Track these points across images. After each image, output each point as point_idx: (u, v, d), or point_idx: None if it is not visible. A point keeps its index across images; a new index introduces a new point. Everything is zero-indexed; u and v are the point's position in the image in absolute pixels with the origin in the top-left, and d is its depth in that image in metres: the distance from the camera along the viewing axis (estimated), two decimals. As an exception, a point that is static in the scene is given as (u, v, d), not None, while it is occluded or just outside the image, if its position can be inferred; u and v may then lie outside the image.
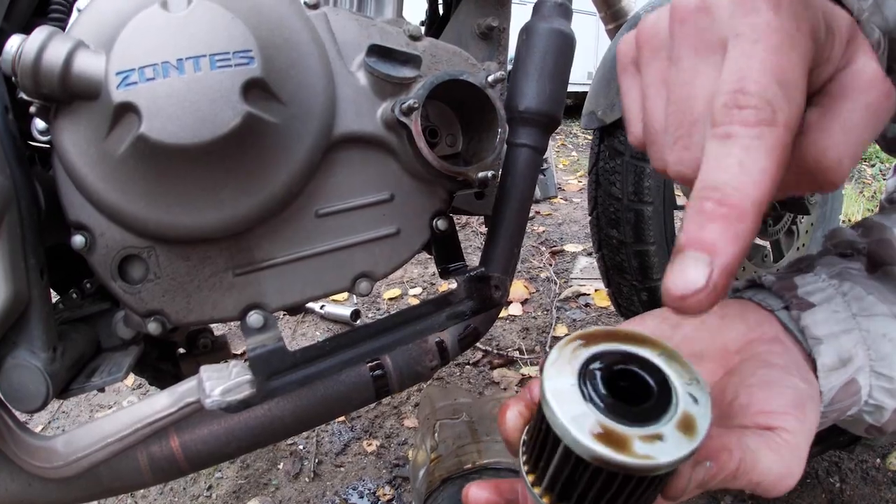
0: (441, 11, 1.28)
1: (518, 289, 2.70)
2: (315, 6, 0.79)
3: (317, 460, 1.71)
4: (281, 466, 1.69)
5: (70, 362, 0.81)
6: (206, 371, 0.72)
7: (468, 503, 0.52)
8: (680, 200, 1.78)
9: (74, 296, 0.91)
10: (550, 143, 4.51)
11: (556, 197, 4.20)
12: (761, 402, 0.52)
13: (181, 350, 1.17)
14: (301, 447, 1.76)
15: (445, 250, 0.90)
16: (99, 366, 0.87)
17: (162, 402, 0.71)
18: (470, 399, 1.43)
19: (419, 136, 0.74)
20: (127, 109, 0.60)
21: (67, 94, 0.61)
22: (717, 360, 0.58)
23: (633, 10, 1.80)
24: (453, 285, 0.91)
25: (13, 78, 0.61)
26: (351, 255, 0.81)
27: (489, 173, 0.80)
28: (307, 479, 1.65)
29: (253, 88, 0.62)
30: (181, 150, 0.61)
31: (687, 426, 0.39)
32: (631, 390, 0.42)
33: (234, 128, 0.61)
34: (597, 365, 0.42)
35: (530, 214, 3.74)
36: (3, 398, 0.72)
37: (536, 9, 0.96)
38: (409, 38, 0.84)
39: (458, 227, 3.46)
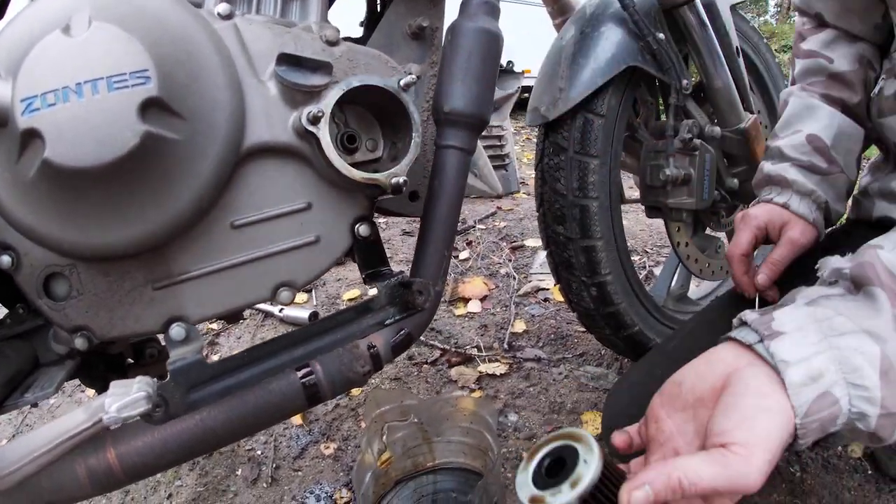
0: (379, 10, 1.31)
1: (477, 286, 2.75)
2: (228, 16, 0.81)
3: (274, 465, 1.74)
4: (239, 472, 1.73)
5: (4, 379, 0.84)
6: (114, 386, 0.75)
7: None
8: (629, 193, 1.82)
9: (21, 311, 0.94)
10: (514, 136, 4.50)
11: (518, 192, 4.25)
12: (717, 426, 0.68)
13: (129, 361, 1.19)
14: (259, 452, 1.80)
15: (369, 256, 0.93)
16: (34, 381, 0.90)
17: (79, 417, 0.74)
18: (416, 401, 1.46)
19: (328, 145, 0.77)
20: (32, 135, 0.63)
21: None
22: (712, 399, 0.73)
23: (579, 4, 1.83)
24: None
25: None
26: (270, 264, 0.84)
27: (401, 179, 0.83)
28: (265, 485, 1.69)
29: (151, 107, 0.65)
30: (85, 172, 0.64)
31: (575, 481, 0.65)
32: (561, 468, 0.69)
33: (134, 148, 0.64)
34: (539, 460, 0.71)
35: (492, 210, 3.76)
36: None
37: (462, 7, 0.99)
38: (325, 44, 0.87)
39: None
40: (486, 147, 4.20)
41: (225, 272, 0.81)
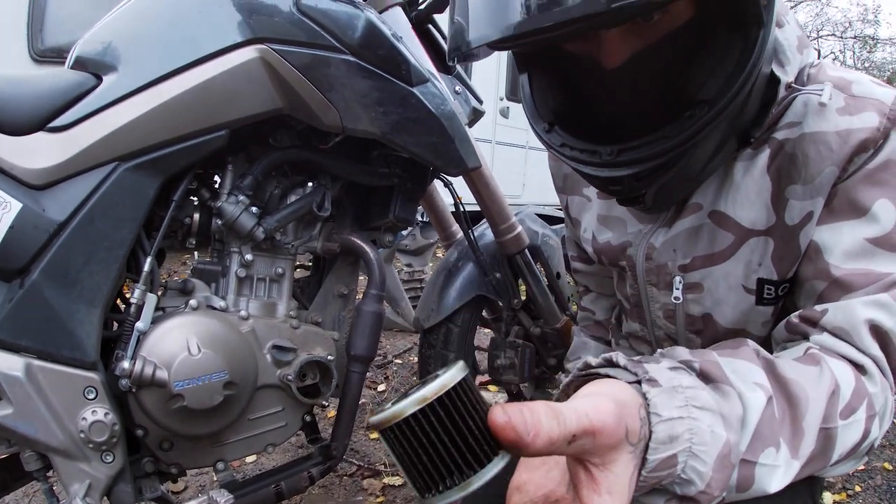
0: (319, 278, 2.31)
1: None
2: (247, 318, 1.86)
3: (241, 544, 2.68)
4: (216, 550, 2.66)
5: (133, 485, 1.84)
6: (214, 493, 1.78)
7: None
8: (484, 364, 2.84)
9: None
10: (431, 263, 5.36)
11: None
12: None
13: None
14: (229, 536, 2.73)
15: (310, 431, 1.99)
16: (142, 486, 1.88)
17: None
18: (335, 502, 2.49)
19: (294, 390, 1.83)
20: (179, 395, 1.64)
21: (151, 384, 1.66)
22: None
23: (458, 235, 2.80)
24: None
25: (127, 379, 1.65)
26: (264, 436, 1.88)
27: (324, 402, 1.89)
28: (234, 557, 2.61)
29: (227, 384, 1.68)
30: (195, 410, 1.65)
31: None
32: None
33: (219, 402, 1.66)
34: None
35: (409, 346, 4.69)
36: (112, 505, 1.75)
37: (365, 295, 1.99)
38: (292, 329, 1.92)
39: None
40: (407, 289, 4.92)
41: (244, 439, 1.85)
